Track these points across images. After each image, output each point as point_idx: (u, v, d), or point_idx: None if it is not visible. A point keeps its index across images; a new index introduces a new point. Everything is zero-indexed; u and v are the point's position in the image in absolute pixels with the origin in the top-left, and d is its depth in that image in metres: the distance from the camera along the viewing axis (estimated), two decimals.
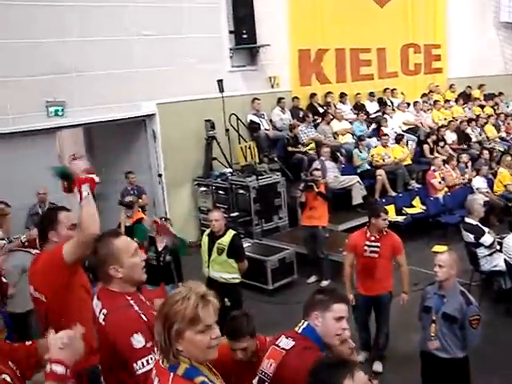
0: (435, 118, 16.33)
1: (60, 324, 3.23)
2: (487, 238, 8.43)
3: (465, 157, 14.14)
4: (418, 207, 12.68)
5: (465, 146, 15.36)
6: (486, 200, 10.85)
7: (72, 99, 10.92)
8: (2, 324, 4.84)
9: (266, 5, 13.69)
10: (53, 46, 10.58)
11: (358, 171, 13.08)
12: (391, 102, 16.35)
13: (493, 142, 15.98)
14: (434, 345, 5.38)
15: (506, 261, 8.20)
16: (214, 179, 12.23)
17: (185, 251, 8.60)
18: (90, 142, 13.45)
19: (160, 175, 12.17)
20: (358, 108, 15.64)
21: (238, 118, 12.91)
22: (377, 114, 15.65)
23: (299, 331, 3.41)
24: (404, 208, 12.46)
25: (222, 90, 12.34)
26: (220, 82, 12.35)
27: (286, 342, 3.39)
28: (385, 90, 16.79)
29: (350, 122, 14.78)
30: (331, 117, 14.38)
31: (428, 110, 16.43)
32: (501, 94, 19.10)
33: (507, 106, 18.99)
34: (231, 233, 7.59)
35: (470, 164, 14.11)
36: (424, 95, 17.28)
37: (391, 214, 11.76)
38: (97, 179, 3.78)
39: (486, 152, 14.48)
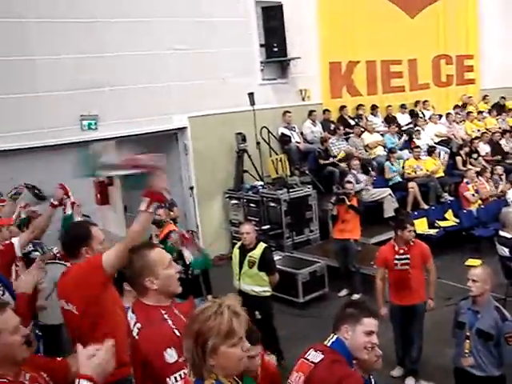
0: (468, 130, 16.16)
1: (91, 337, 3.25)
2: None
3: (499, 169, 13.90)
4: (450, 220, 12.53)
5: (499, 158, 15.16)
6: None
7: (105, 113, 11.06)
8: (32, 336, 4.87)
9: (296, 18, 13.71)
10: (87, 61, 10.73)
11: (390, 184, 13.00)
12: (423, 114, 16.22)
13: None
14: (468, 362, 5.29)
15: None
16: (245, 192, 12.25)
17: (210, 264, 8.60)
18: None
19: (191, 188, 12.21)
20: (390, 120, 15.55)
21: (268, 131, 12.92)
22: (408, 126, 15.54)
23: (328, 344, 3.41)
24: (436, 221, 12.32)
25: (253, 103, 12.38)
26: (251, 95, 12.40)
27: (314, 355, 3.38)
28: (416, 102, 16.66)
29: (382, 135, 14.70)
30: (362, 129, 14.33)
31: (461, 121, 16.27)
32: None
33: None
34: (262, 246, 7.58)
35: (504, 176, 13.88)
36: (456, 107, 17.13)
37: (423, 227, 11.70)
38: (167, 197, 3.87)
39: None
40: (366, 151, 14.06)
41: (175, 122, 12.07)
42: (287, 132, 13.51)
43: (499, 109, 17.95)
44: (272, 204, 11.78)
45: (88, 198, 10.77)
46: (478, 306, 5.33)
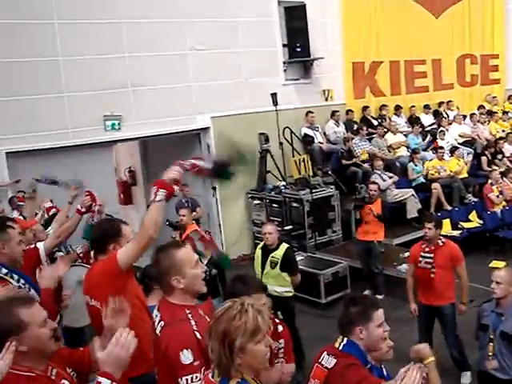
0: (493, 130, 15.99)
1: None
2: None
3: None
4: (474, 221, 12.42)
5: None
6: None
7: (128, 113, 11.16)
8: (60, 332, 4.92)
9: (319, 18, 13.72)
10: (110, 61, 10.86)
11: (413, 184, 12.91)
12: (447, 115, 16.10)
13: None
14: (492, 364, 5.25)
15: None
16: (268, 192, 12.27)
17: (229, 265, 8.61)
18: (145, 155, 13.69)
19: (214, 188, 12.25)
20: (413, 121, 15.46)
21: (291, 132, 12.91)
22: (432, 127, 15.44)
23: (340, 348, 3.39)
24: (460, 222, 12.22)
25: (275, 103, 12.40)
26: (274, 95, 12.41)
27: (327, 360, 3.37)
28: (440, 103, 16.55)
29: (405, 135, 14.63)
30: (385, 130, 14.27)
31: (485, 122, 16.11)
32: None
33: None
34: (284, 246, 7.58)
35: None
36: (481, 107, 16.97)
37: (447, 228, 11.58)
38: (176, 192, 3.85)
39: None
40: (389, 152, 14.00)
41: (198, 123, 12.13)
42: (310, 132, 13.49)
43: None
44: (294, 204, 11.78)
45: (111, 198, 10.93)
46: (502, 308, 5.29)
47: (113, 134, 11.03)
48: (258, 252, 7.78)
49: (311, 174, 12.64)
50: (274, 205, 12.14)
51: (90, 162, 10.60)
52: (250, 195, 12.67)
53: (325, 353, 3.43)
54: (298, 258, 9.32)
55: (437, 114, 16.03)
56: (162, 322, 3.38)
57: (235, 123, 12.17)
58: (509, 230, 11.92)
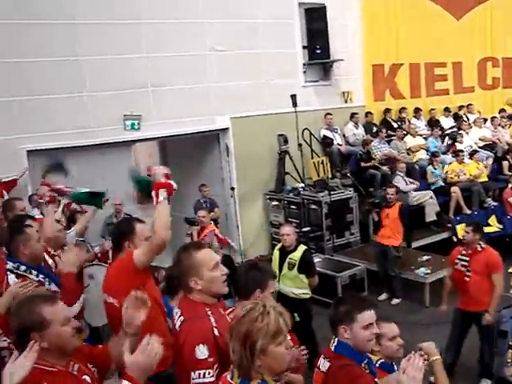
0: None
1: None
2: None
3: None
4: (494, 226, 12.34)
5: None
6: None
7: (148, 113, 11.19)
8: (83, 324, 4.97)
9: (339, 19, 13.68)
10: (130, 61, 10.90)
11: (432, 188, 12.82)
12: (467, 118, 15.99)
13: None
14: (511, 371, 5.21)
15: None
16: (286, 194, 12.26)
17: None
18: (164, 155, 13.74)
19: (232, 188, 12.26)
20: (433, 124, 15.38)
21: (310, 133, 12.89)
22: (452, 130, 15.33)
23: (333, 349, 3.43)
24: None
25: (295, 104, 12.40)
26: (293, 96, 12.42)
27: (323, 364, 3.42)
28: (460, 106, 16.43)
29: (425, 138, 14.55)
30: (404, 132, 14.21)
31: (506, 125, 15.96)
32: None
33: None
34: (302, 248, 7.59)
35: None
36: (502, 110, 16.82)
37: None
38: (175, 186, 3.88)
39: None
40: (408, 154, 13.93)
41: (217, 123, 12.14)
42: (329, 134, 13.46)
43: None
44: (313, 206, 11.77)
45: (129, 197, 10.98)
46: None
47: (132, 133, 11.08)
48: (276, 253, 7.79)
49: (330, 175, 12.60)
50: (292, 206, 12.13)
51: (109, 161, 10.66)
52: (268, 196, 12.68)
53: (321, 356, 3.47)
54: (316, 260, 9.32)
55: (457, 117, 15.92)
56: (182, 317, 3.43)
57: (254, 124, 12.20)
58: None
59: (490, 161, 14.28)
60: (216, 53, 11.95)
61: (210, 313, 3.37)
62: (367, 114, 14.54)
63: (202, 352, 3.17)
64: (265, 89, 12.54)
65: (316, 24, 13.27)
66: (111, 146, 10.79)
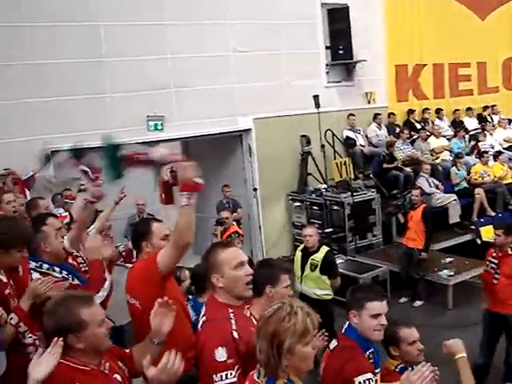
0: None
1: None
2: None
3: None
4: None
5: None
6: None
7: (170, 114, 11.25)
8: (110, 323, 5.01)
9: (362, 20, 13.62)
10: (154, 62, 10.97)
11: (456, 189, 12.73)
12: (491, 119, 15.86)
13: None
14: None
15: None
16: (309, 195, 12.26)
17: None
18: (187, 155, 13.76)
19: (255, 189, 12.28)
20: (457, 124, 15.26)
21: (333, 134, 12.88)
22: (476, 131, 15.21)
23: (343, 331, 3.60)
24: None
25: (318, 105, 12.39)
26: (316, 97, 12.41)
27: (333, 343, 3.61)
28: (484, 107, 16.30)
29: (448, 139, 14.45)
30: (428, 133, 14.13)
31: None
32: None
33: None
34: (325, 249, 7.58)
35: None
36: None
37: (490, 234, 11.38)
38: (201, 182, 3.79)
39: None
40: (432, 155, 13.84)
41: (240, 124, 12.17)
42: (352, 135, 13.44)
43: None
44: (335, 207, 11.75)
45: (152, 197, 11.04)
46: None
47: (155, 134, 11.14)
48: (298, 254, 7.79)
49: (352, 176, 12.59)
50: (315, 207, 12.12)
51: None
52: (290, 197, 12.68)
53: (334, 338, 3.64)
54: (338, 261, 9.29)
55: (481, 118, 15.79)
56: (204, 318, 3.47)
57: (277, 125, 12.22)
58: None
59: None
60: (238, 54, 11.99)
61: (232, 315, 3.37)
62: (390, 114, 14.49)
63: (221, 354, 3.19)
64: (287, 89, 12.55)
65: (339, 24, 13.28)
66: (134, 146, 10.84)
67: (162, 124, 11.17)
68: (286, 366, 2.68)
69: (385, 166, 12.80)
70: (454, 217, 11.94)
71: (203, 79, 11.52)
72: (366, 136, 13.89)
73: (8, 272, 4.03)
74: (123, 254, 7.08)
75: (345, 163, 12.52)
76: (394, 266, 10.32)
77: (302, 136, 12.47)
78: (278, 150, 12.27)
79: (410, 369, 3.64)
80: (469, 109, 16.00)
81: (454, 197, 12.15)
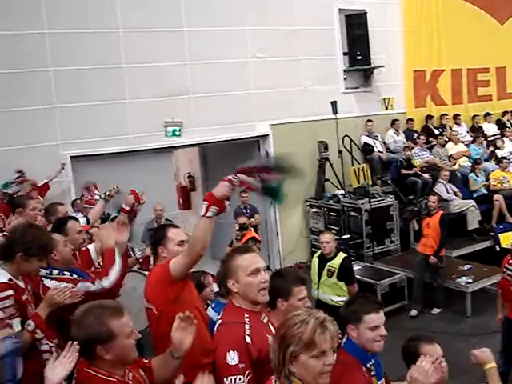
0: None
1: (169, 335, 3.34)
2: None
3: None
4: None
5: None
6: None
7: (188, 120, 11.31)
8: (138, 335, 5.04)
9: (380, 26, 13.65)
10: (171, 68, 11.05)
11: (475, 196, 12.66)
12: (511, 124, 15.73)
13: None
14: None
15: None
16: (326, 201, 12.25)
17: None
18: (204, 161, 13.84)
19: None
20: (475, 130, 15.17)
21: (351, 140, 12.86)
22: (495, 137, 15.10)
23: (342, 346, 3.51)
24: None
25: (335, 111, 12.38)
26: (334, 103, 12.42)
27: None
28: (504, 113, 16.18)
29: (466, 145, 14.37)
30: (446, 139, 14.05)
31: None
32: None
33: None
34: (342, 255, 7.57)
35: None
36: None
37: (508, 241, 11.31)
38: (227, 209, 3.65)
39: None
40: (450, 161, 13.77)
41: (258, 130, 12.20)
42: (370, 141, 13.40)
43: None
44: (353, 213, 11.72)
45: (171, 203, 11.09)
46: None
47: (173, 140, 11.20)
48: (315, 260, 7.78)
49: (370, 183, 12.54)
50: (332, 213, 12.09)
51: (150, 167, 10.79)
52: (308, 203, 12.67)
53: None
54: (355, 268, 9.25)
55: (500, 124, 15.69)
56: (220, 321, 3.52)
57: (295, 131, 12.22)
58: None
59: None
60: (256, 60, 12.02)
61: (247, 320, 3.39)
62: (408, 120, 14.44)
63: (232, 358, 3.22)
64: (305, 95, 12.56)
65: (357, 30, 13.28)
66: (152, 152, 10.93)
67: (180, 130, 11.23)
68: (294, 373, 2.68)
69: (403, 171, 12.75)
70: (473, 223, 11.87)
71: (221, 85, 11.58)
72: (384, 142, 13.85)
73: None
74: (140, 260, 7.08)
75: (362, 169, 12.49)
76: (412, 273, 10.25)
77: (320, 142, 12.46)
78: (295, 155, 12.13)
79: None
80: (487, 114, 15.90)
81: (473, 203, 12.08)
